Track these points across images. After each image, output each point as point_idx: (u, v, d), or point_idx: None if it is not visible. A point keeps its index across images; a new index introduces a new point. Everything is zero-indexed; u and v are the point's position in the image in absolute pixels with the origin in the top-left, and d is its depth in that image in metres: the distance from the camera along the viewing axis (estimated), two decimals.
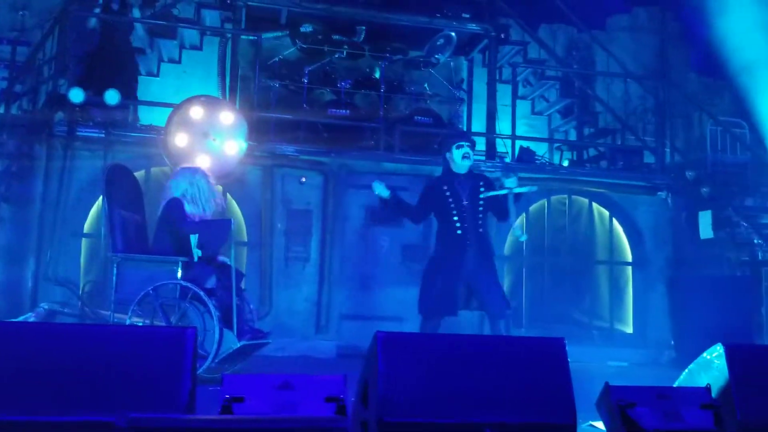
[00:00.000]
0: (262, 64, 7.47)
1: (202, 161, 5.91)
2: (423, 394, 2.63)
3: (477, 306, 5.04)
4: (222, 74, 7.75)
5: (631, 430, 2.72)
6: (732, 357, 2.86)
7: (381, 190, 5.04)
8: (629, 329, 7.64)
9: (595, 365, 6.12)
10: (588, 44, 9.37)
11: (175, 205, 4.96)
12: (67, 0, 7.08)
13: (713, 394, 2.87)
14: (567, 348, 2.86)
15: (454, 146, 5.19)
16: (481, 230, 5.06)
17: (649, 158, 8.20)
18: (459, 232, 5.00)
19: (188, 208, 4.99)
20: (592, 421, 3.55)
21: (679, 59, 9.61)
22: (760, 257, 6.97)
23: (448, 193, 5.09)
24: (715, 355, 2.95)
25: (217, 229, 5.01)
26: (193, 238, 4.84)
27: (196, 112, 6.09)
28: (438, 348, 2.76)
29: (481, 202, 5.10)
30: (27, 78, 7.15)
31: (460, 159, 5.14)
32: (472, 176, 5.23)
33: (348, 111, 7.62)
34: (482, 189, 5.14)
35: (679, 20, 9.53)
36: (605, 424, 2.92)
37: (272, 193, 6.89)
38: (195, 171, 5.19)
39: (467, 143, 5.21)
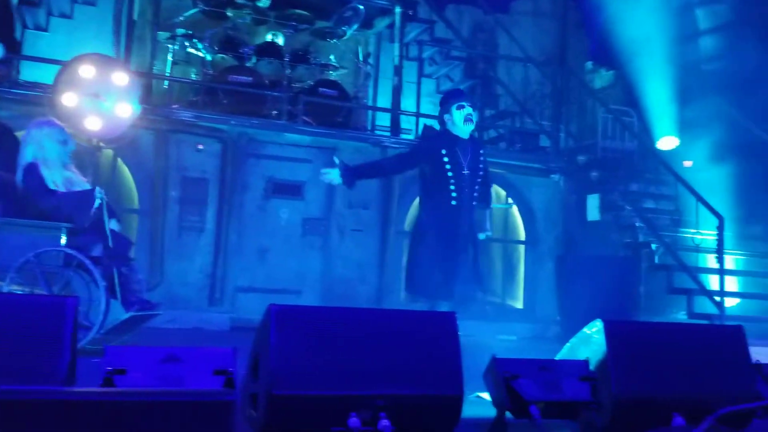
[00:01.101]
0: (161, 24, 7.14)
1: (92, 123, 5.62)
2: (315, 367, 2.62)
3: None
4: (117, 32, 7.35)
5: (514, 401, 2.82)
6: (610, 332, 3.01)
7: (334, 177, 4.42)
8: (520, 305, 7.95)
9: (487, 339, 6.32)
10: (492, 27, 9.55)
11: (31, 172, 4.58)
12: None
13: (591, 367, 3.02)
14: (460, 322, 2.92)
15: (453, 106, 4.54)
16: (474, 203, 4.61)
17: (545, 142, 8.50)
18: (454, 203, 4.48)
19: (46, 174, 4.60)
20: (480, 392, 3.66)
21: (577, 47, 9.96)
22: (640, 239, 7.39)
23: (446, 159, 4.48)
24: (595, 330, 3.10)
25: (79, 200, 4.59)
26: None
27: (87, 71, 5.76)
28: (332, 321, 2.75)
29: (480, 172, 4.61)
30: None
31: (462, 122, 4.53)
32: (474, 141, 4.67)
33: (250, 78, 7.43)
34: (482, 159, 4.64)
35: (579, 9, 9.86)
36: (491, 395, 3.02)
37: (166, 159, 6.65)
38: (41, 127, 4.72)
39: (469, 103, 4.60)
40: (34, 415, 2.14)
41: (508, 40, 9.16)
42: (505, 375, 2.84)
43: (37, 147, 4.64)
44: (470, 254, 4.59)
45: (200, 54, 7.48)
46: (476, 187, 4.59)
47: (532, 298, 7.86)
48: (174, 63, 7.45)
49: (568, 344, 3.37)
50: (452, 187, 4.46)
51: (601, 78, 9.71)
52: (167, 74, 7.15)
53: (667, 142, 8.36)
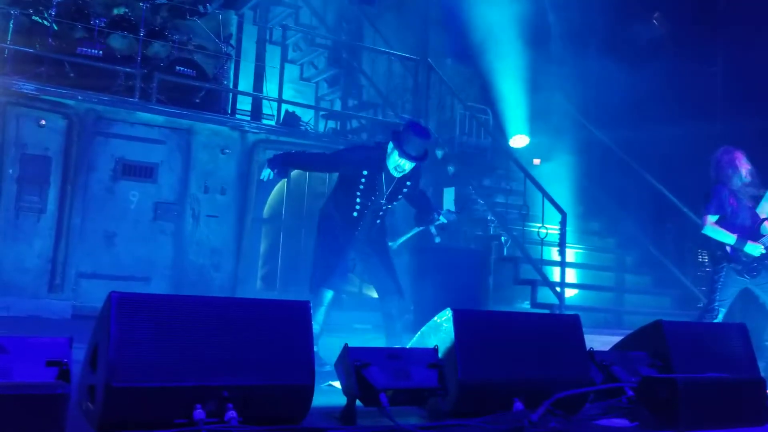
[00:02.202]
0: None
1: None
2: (157, 358, 2.50)
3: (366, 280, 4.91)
4: None
5: (363, 389, 2.85)
6: (458, 320, 3.12)
7: (267, 172, 4.66)
8: (375, 294, 8.05)
9: (342, 328, 6.35)
10: (358, 18, 9.60)
11: None
12: None
13: (440, 355, 3.11)
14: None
15: (399, 151, 4.38)
16: (378, 222, 4.74)
17: None
18: (355, 215, 4.62)
19: None
20: (332, 381, 3.67)
21: (438, 44, 10.22)
22: (491, 232, 7.74)
23: (363, 181, 4.52)
24: (444, 319, 3.20)
25: None
26: None
27: None
28: (177, 310, 2.64)
29: (395, 202, 4.73)
30: None
31: (392, 167, 4.49)
32: (408, 174, 4.60)
33: (101, 51, 6.96)
34: (405, 191, 4.68)
35: (440, 7, 10.12)
36: (341, 383, 3.03)
37: (3, 134, 6.10)
38: None
39: (412, 162, 4.43)
40: None
41: (373, 32, 9.24)
42: (356, 363, 2.87)
43: None
44: (379, 254, 4.79)
45: (45, 23, 6.91)
46: (384, 209, 4.74)
47: None
48: (15, 31, 6.82)
49: (418, 333, 3.46)
50: (357, 206, 4.61)
51: (461, 75, 10.04)
52: (7, 42, 6.53)
53: (518, 141, 8.80)
